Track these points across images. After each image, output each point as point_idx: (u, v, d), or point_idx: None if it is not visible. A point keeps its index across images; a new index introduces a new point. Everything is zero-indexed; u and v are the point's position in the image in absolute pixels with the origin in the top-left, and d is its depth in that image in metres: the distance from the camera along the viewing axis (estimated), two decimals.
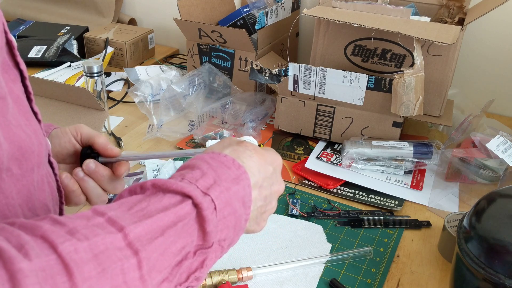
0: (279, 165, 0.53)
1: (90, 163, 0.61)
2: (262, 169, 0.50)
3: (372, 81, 1.01)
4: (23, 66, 0.46)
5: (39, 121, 0.48)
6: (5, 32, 0.43)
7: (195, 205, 0.41)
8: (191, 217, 0.41)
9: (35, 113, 0.48)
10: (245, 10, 1.33)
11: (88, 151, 0.64)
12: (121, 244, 0.35)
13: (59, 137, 0.63)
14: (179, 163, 1.00)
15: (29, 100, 0.47)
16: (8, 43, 0.44)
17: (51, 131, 0.64)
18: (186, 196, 0.41)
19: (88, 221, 0.36)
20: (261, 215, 0.51)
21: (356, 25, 0.98)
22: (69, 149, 0.64)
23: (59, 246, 0.33)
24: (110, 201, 0.87)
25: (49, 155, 0.51)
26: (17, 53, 0.45)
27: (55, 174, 0.53)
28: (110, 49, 1.48)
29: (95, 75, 1.08)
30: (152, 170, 0.98)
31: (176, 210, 0.40)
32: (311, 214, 0.91)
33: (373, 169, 1.02)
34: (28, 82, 0.47)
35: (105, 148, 0.63)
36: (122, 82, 1.42)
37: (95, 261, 0.33)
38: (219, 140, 1.06)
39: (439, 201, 0.95)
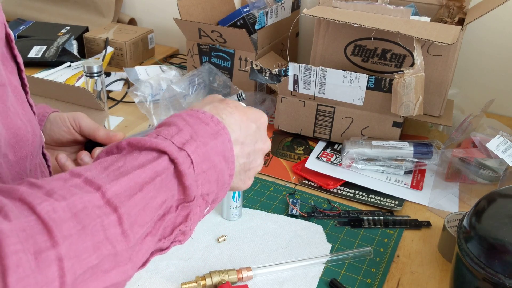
0: (263, 123, 0.53)
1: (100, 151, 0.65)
2: (244, 126, 0.49)
3: (372, 81, 1.01)
4: (20, 59, 0.47)
5: (34, 113, 0.49)
6: (4, 25, 0.44)
7: (171, 160, 0.41)
8: (169, 172, 0.41)
9: (30, 105, 0.49)
10: (245, 10, 1.33)
11: (90, 145, 0.66)
12: (99, 202, 0.36)
13: (58, 125, 0.65)
14: None
15: (25, 92, 0.48)
16: (7, 35, 0.45)
17: (48, 115, 0.66)
18: (162, 152, 0.41)
19: (65, 183, 0.37)
20: (245, 172, 0.51)
21: (356, 25, 0.98)
22: (68, 138, 0.66)
23: (37, 207, 0.33)
24: None
25: (42, 147, 0.52)
26: (15, 46, 0.46)
27: (48, 166, 0.54)
28: (110, 49, 1.48)
29: (95, 75, 1.08)
30: None
31: (153, 166, 0.40)
32: (311, 214, 0.91)
33: (373, 169, 1.02)
34: (24, 75, 0.48)
35: (108, 139, 0.64)
36: (122, 82, 1.42)
37: (74, 220, 0.34)
38: None
39: (439, 201, 0.95)
